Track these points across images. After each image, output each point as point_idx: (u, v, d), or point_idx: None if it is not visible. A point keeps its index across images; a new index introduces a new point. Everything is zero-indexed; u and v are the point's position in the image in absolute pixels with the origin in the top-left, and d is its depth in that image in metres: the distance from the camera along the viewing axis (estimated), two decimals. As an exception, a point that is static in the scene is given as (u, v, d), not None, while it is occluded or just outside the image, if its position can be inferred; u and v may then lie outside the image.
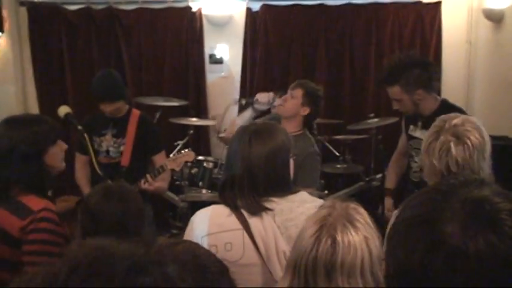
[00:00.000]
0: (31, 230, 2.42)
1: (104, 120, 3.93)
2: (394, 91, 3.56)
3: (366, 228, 1.60)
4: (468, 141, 2.21)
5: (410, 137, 3.78)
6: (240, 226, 2.15)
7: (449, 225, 1.01)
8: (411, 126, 3.77)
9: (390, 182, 4.10)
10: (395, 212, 2.15)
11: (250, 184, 2.18)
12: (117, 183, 2.31)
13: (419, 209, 1.08)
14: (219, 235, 2.16)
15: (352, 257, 1.53)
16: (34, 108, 6.06)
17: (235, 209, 2.19)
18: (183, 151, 3.93)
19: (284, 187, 2.25)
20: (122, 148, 3.92)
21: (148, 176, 3.72)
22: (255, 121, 2.38)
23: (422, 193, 1.14)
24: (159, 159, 3.99)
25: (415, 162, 3.72)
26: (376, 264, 1.55)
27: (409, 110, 3.62)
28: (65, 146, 2.73)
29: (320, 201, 2.33)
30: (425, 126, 3.49)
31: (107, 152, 3.92)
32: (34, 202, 2.49)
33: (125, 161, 3.90)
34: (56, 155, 2.67)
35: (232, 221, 2.17)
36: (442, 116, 2.38)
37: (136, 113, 4.00)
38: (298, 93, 3.72)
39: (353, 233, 1.57)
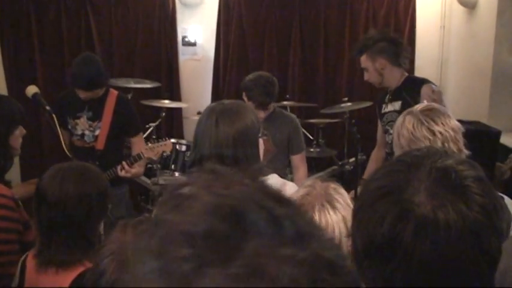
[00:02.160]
0: None
1: (79, 101, 3.77)
2: (362, 59, 3.91)
3: (345, 208, 1.58)
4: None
5: (384, 114, 3.96)
6: None
7: (417, 195, 1.00)
8: (383, 106, 3.97)
9: (368, 174, 4.17)
10: None
11: (219, 163, 2.12)
12: (70, 163, 2.22)
13: (385, 181, 1.06)
14: None
15: None
16: (2, 88, 5.91)
17: None
18: (161, 140, 3.87)
19: (252, 169, 2.21)
20: (97, 132, 3.81)
21: (124, 163, 3.65)
22: (223, 101, 2.34)
23: (386, 165, 1.14)
24: (137, 141, 3.93)
25: (391, 134, 3.79)
26: None
27: (375, 81, 3.93)
28: (24, 131, 2.63)
29: (291, 184, 2.30)
30: (393, 98, 3.87)
31: (82, 135, 3.82)
32: None
33: (100, 144, 3.79)
34: (18, 138, 2.59)
35: None
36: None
37: (113, 93, 3.86)
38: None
39: (331, 213, 1.55)
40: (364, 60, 3.90)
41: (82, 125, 3.80)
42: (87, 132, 3.81)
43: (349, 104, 5.48)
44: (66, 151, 3.56)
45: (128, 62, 6.17)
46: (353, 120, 5.48)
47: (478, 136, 4.30)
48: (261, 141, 2.29)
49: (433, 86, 3.73)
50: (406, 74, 3.94)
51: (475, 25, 5.41)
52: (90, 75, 3.62)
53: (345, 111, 5.45)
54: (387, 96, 3.92)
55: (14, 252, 2.30)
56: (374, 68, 3.85)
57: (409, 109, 2.36)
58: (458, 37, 5.87)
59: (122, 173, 3.64)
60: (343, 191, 1.66)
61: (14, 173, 5.27)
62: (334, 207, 1.57)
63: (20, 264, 2.14)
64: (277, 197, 0.64)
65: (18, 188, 4.00)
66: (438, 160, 1.06)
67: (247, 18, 6.16)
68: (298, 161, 4.07)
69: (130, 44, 6.17)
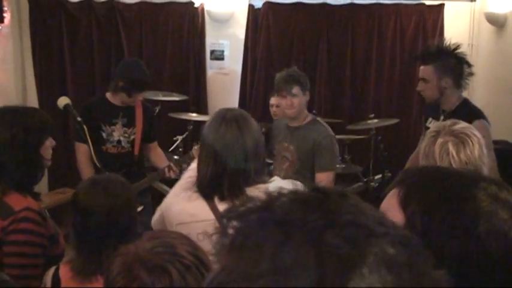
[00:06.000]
0: (11, 231, 2.32)
1: (113, 108, 3.88)
2: (427, 70, 3.54)
3: None
4: (467, 139, 2.18)
5: (427, 129, 3.77)
6: (212, 217, 2.12)
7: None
8: (429, 119, 3.72)
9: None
10: None
11: (243, 174, 2.14)
12: (103, 175, 2.26)
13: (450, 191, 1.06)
14: (192, 225, 2.14)
15: None
16: (33, 101, 6.02)
17: (209, 199, 2.17)
18: None
19: (263, 175, 2.23)
20: (132, 137, 3.90)
21: (172, 164, 3.80)
22: (228, 108, 2.32)
23: (436, 178, 1.11)
24: (156, 146, 4.14)
25: None
26: None
27: (431, 96, 3.58)
28: (53, 142, 2.65)
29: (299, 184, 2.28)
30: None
31: (118, 141, 3.90)
32: (16, 201, 2.39)
33: (136, 149, 3.92)
34: (48, 149, 2.60)
35: (205, 211, 2.14)
36: (438, 123, 2.36)
37: (138, 102, 3.99)
38: (297, 90, 3.82)
39: None
40: (430, 72, 3.52)
41: (118, 131, 3.89)
42: (122, 138, 3.90)
43: (375, 120, 5.47)
44: (96, 161, 3.64)
45: (157, 75, 6.24)
46: (379, 137, 5.46)
47: (505, 155, 4.26)
48: None
49: (486, 123, 3.42)
50: (462, 97, 3.61)
51: (504, 43, 5.38)
52: (147, 75, 3.87)
53: (372, 128, 5.44)
54: (441, 117, 3.54)
55: (37, 266, 2.31)
56: (437, 85, 3.50)
57: (438, 127, 2.31)
58: (486, 55, 5.83)
59: (170, 174, 3.78)
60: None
61: (41, 183, 5.35)
62: None
63: (51, 277, 2.14)
64: None
65: (45, 197, 4.07)
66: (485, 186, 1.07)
67: (275, 34, 6.20)
68: (321, 181, 3.65)
69: (159, 58, 6.25)
